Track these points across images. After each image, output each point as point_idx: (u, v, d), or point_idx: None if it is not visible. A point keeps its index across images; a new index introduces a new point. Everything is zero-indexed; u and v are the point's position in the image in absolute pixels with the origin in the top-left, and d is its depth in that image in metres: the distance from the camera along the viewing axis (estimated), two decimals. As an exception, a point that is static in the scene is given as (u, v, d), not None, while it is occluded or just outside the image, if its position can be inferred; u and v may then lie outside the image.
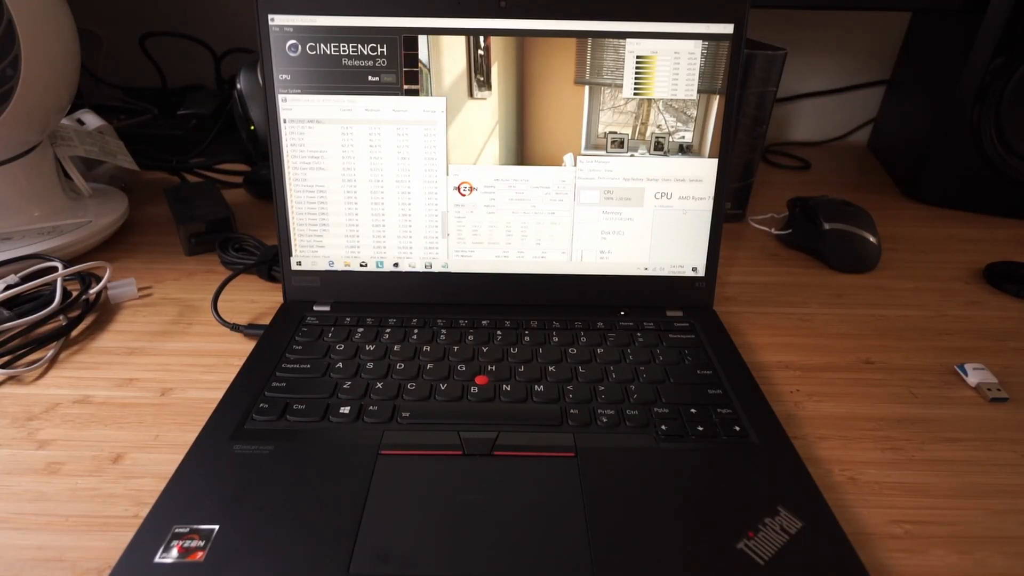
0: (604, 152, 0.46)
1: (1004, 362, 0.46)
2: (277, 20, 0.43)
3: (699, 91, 0.44)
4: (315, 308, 0.47)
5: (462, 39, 0.43)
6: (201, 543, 0.29)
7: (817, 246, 0.60)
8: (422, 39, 0.43)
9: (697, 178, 0.46)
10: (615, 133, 0.45)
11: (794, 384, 0.44)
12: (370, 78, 0.44)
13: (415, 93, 0.44)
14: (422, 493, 0.32)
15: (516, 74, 0.44)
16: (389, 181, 0.46)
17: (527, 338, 0.44)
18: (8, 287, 0.46)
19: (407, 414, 0.37)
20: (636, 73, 0.44)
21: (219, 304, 0.51)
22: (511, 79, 0.44)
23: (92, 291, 0.49)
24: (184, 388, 0.42)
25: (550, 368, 0.41)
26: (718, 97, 0.44)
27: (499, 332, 0.45)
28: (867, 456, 0.38)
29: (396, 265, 0.48)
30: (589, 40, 0.43)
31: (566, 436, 0.36)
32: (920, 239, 0.66)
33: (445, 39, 0.43)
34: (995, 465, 0.37)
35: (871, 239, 0.58)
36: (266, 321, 0.48)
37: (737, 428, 0.37)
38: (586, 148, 0.45)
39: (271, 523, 0.30)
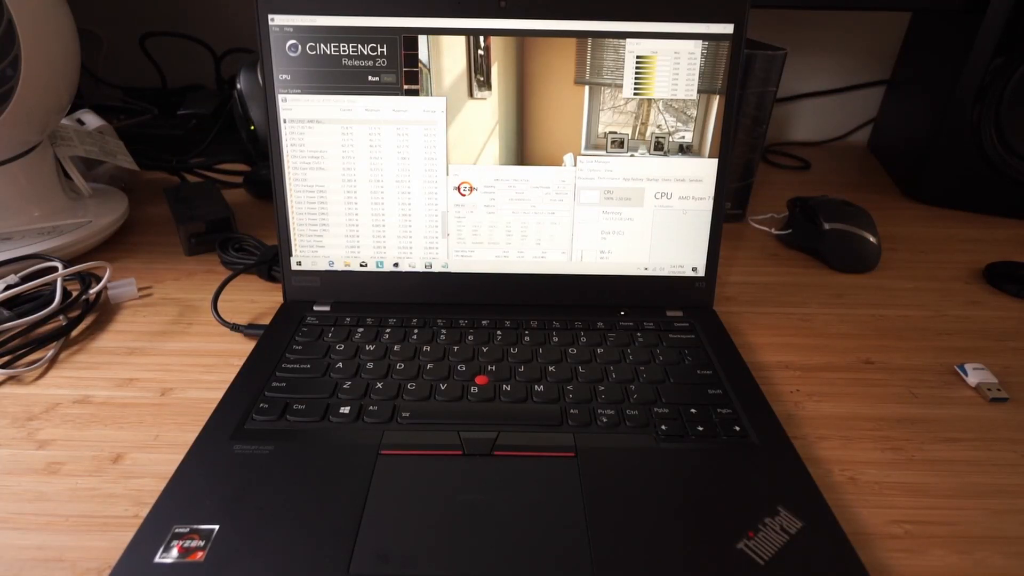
0: (604, 152, 0.46)
1: (1004, 362, 0.46)
2: (277, 20, 0.43)
3: (699, 91, 0.44)
4: (315, 308, 0.47)
5: (462, 39, 0.43)
6: (201, 543, 0.29)
7: (817, 246, 0.60)
8: (422, 39, 0.43)
9: (697, 178, 0.46)
10: (615, 133, 0.45)
11: (794, 384, 0.44)
12: (370, 78, 0.44)
13: (415, 93, 0.44)
14: (422, 493, 0.32)
15: (516, 74, 0.44)
16: (389, 181, 0.46)
17: (527, 338, 0.44)
18: (8, 287, 0.46)
19: (407, 414, 0.37)
20: (636, 73, 0.44)
21: (219, 304, 0.51)
22: (511, 79, 0.44)
23: (92, 291, 0.49)
24: (184, 388, 0.42)
25: (550, 368, 0.41)
26: (718, 97, 0.44)
27: (499, 332, 0.45)
28: (867, 456, 0.38)
29: (396, 265, 0.48)
30: (589, 40, 0.43)
31: (566, 436, 0.36)
32: (920, 239, 0.66)
33: (445, 39, 0.43)
34: (995, 465, 0.37)
35: (871, 239, 0.58)
36: (266, 321, 0.48)
37: (737, 428, 0.37)
38: (586, 148, 0.45)
39: (271, 523, 0.30)
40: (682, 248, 0.48)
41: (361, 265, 0.48)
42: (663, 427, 0.37)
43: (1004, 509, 0.34)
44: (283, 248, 0.47)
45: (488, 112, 0.45)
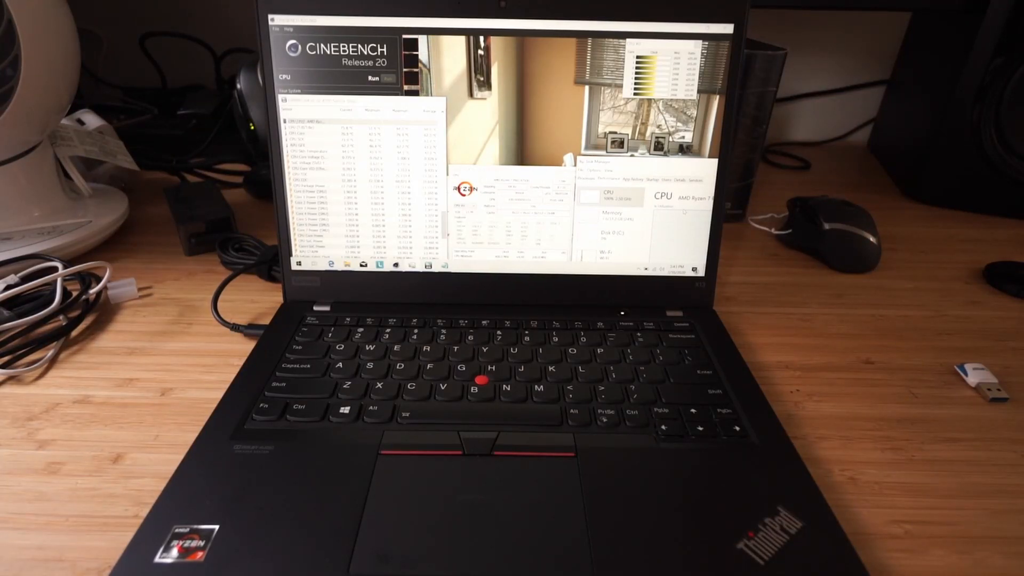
0: (604, 152, 0.46)
1: (1004, 362, 0.46)
2: (277, 20, 0.43)
3: (699, 91, 0.44)
4: (315, 308, 0.47)
5: (462, 39, 0.43)
6: (201, 543, 0.29)
7: (817, 246, 0.60)
8: (422, 39, 0.43)
9: (697, 178, 0.46)
10: (615, 133, 0.45)
11: (794, 384, 0.44)
12: (370, 78, 0.44)
13: (415, 93, 0.44)
14: (422, 493, 0.32)
15: (516, 74, 0.44)
16: (389, 181, 0.46)
17: (527, 338, 0.44)
18: (8, 287, 0.46)
19: (407, 414, 0.37)
20: (636, 73, 0.44)
21: (219, 304, 0.51)
22: (511, 79, 0.44)
23: (92, 291, 0.49)
24: (184, 388, 0.42)
25: (550, 368, 0.41)
26: (718, 97, 0.44)
27: (499, 332, 0.45)
28: (867, 456, 0.38)
29: (396, 265, 0.48)
30: (589, 40, 0.43)
31: (566, 436, 0.36)
32: (920, 239, 0.66)
33: (445, 39, 0.43)
34: (995, 465, 0.37)
35: (871, 239, 0.58)
36: (266, 321, 0.48)
37: (737, 428, 0.37)
38: (586, 148, 0.45)
39: (271, 523, 0.30)
40: (682, 248, 0.48)
41: (361, 265, 0.48)
42: (663, 427, 0.37)
43: (1004, 509, 0.34)
44: (283, 248, 0.47)
45: (488, 112, 0.45)
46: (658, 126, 0.45)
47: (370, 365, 0.41)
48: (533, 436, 0.36)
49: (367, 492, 0.32)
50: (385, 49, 0.43)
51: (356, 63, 0.43)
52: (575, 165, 0.46)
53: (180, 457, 0.34)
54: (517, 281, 0.48)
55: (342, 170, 0.46)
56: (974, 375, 0.44)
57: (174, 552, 0.28)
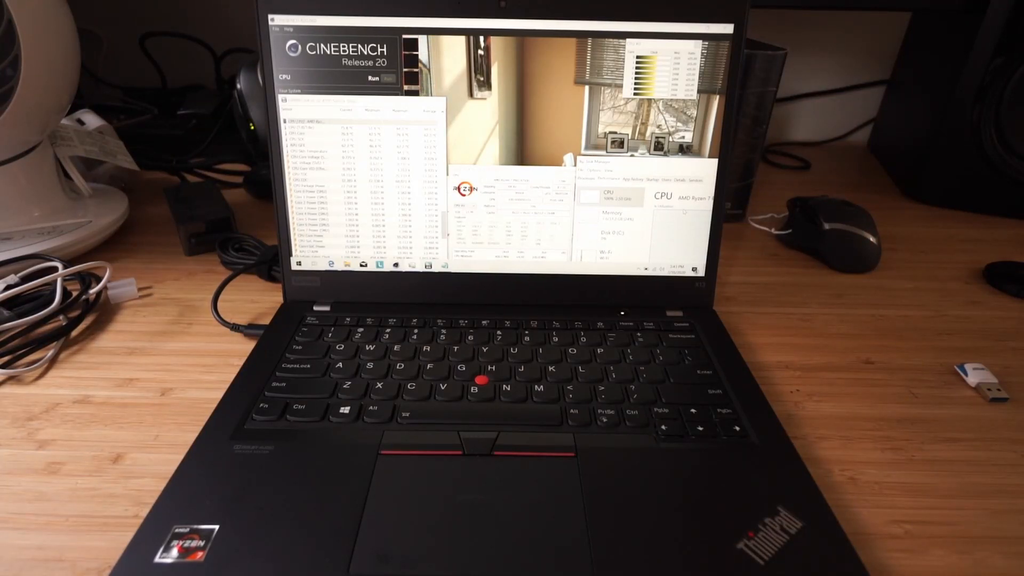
0: (604, 152, 0.46)
1: (1004, 362, 0.46)
2: (277, 20, 0.43)
3: (699, 91, 0.44)
4: (315, 308, 0.47)
5: (462, 39, 0.43)
6: (201, 543, 0.29)
7: (817, 246, 0.60)
8: (422, 39, 0.43)
9: (697, 178, 0.46)
10: (615, 133, 0.45)
11: (794, 384, 0.44)
12: (370, 78, 0.44)
13: (415, 93, 0.44)
14: (422, 493, 0.32)
15: (516, 74, 0.44)
16: (389, 181, 0.46)
17: (527, 338, 0.44)
18: (8, 287, 0.46)
19: (407, 414, 0.37)
20: (636, 73, 0.44)
21: (219, 304, 0.51)
22: (511, 79, 0.44)
23: (92, 291, 0.49)
24: (184, 388, 0.42)
25: (550, 368, 0.41)
26: (718, 97, 0.44)
27: (499, 332, 0.45)
28: (867, 456, 0.38)
29: (396, 265, 0.48)
30: (589, 40, 0.43)
31: (566, 436, 0.36)
32: (920, 239, 0.66)
33: (445, 39, 0.43)
34: (995, 465, 0.37)
35: (871, 239, 0.58)
36: (266, 321, 0.48)
37: (737, 428, 0.37)
38: (586, 148, 0.45)
39: (271, 523, 0.30)
40: (682, 248, 0.48)
41: (361, 265, 0.48)
42: (663, 427, 0.37)
43: (1004, 509, 0.34)
44: (283, 248, 0.47)
45: (488, 112, 0.45)
46: (658, 126, 0.45)
47: (370, 365, 0.41)
48: (533, 436, 0.36)
49: (367, 492, 0.32)
50: (385, 49, 0.43)
51: (356, 63, 0.43)
52: (575, 165, 0.46)
53: (180, 457, 0.34)
54: (517, 281, 0.48)
55: (342, 170, 0.46)
56: (974, 375, 0.44)
57: (174, 552, 0.28)
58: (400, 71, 0.44)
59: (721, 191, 0.46)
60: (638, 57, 0.44)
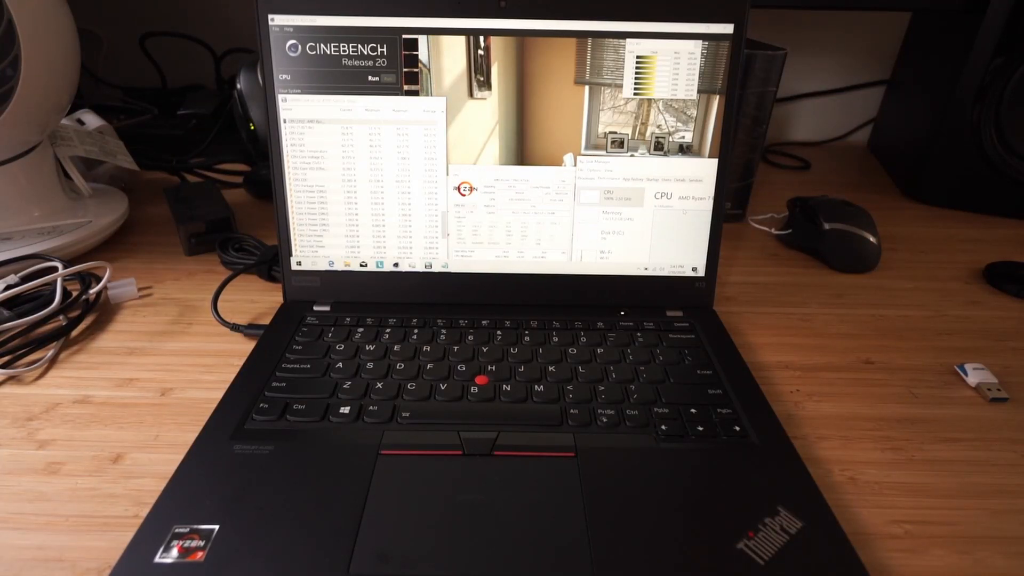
0: (604, 152, 0.46)
1: (1004, 362, 0.46)
2: (277, 20, 0.43)
3: (699, 91, 0.44)
4: (315, 308, 0.47)
5: (462, 39, 0.43)
6: (201, 543, 0.29)
7: (817, 246, 0.60)
8: (422, 39, 0.43)
9: (697, 178, 0.46)
10: (615, 133, 0.45)
11: (794, 384, 0.44)
12: (370, 78, 0.44)
13: (415, 93, 0.44)
14: (422, 493, 0.32)
15: (516, 74, 0.44)
16: (389, 181, 0.46)
17: (527, 338, 0.44)
18: (8, 287, 0.46)
19: (407, 414, 0.37)
20: (636, 73, 0.44)
21: (219, 304, 0.51)
22: (511, 79, 0.44)
23: (92, 291, 0.49)
24: (184, 388, 0.42)
25: (550, 368, 0.41)
26: (718, 97, 0.44)
27: (499, 332, 0.45)
28: (867, 456, 0.38)
29: (396, 265, 0.48)
30: (589, 40, 0.43)
31: (566, 436, 0.36)
32: (920, 239, 0.66)
33: (445, 39, 0.43)
34: (995, 465, 0.37)
35: (871, 239, 0.58)
36: (266, 321, 0.48)
37: (737, 428, 0.37)
38: (586, 148, 0.45)
39: (271, 523, 0.30)
40: (682, 248, 0.48)
41: (361, 265, 0.48)
42: (663, 427, 0.37)
43: (1004, 509, 0.34)
44: (283, 248, 0.47)
45: (488, 112, 0.45)
46: (658, 126, 0.45)
47: (370, 365, 0.41)
48: (533, 436, 0.36)
49: (367, 492, 0.32)
50: (385, 49, 0.43)
51: (356, 63, 0.43)
52: (575, 165, 0.46)
53: (180, 457, 0.34)
54: (517, 281, 0.48)
55: (342, 170, 0.46)
56: (974, 375, 0.44)
57: (174, 552, 0.28)
58: (400, 71, 0.44)
59: (721, 191, 0.46)
60: (638, 57, 0.44)
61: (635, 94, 0.44)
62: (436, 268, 0.48)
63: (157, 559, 0.28)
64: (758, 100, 0.62)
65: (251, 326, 0.47)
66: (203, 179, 0.75)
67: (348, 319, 0.46)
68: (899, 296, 0.55)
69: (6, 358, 0.43)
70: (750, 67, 0.60)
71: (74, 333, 0.47)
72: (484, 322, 0.46)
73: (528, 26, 0.43)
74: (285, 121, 0.45)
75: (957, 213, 0.73)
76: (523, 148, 0.45)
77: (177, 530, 0.29)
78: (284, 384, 0.39)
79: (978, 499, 0.35)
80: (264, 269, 0.54)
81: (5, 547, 0.31)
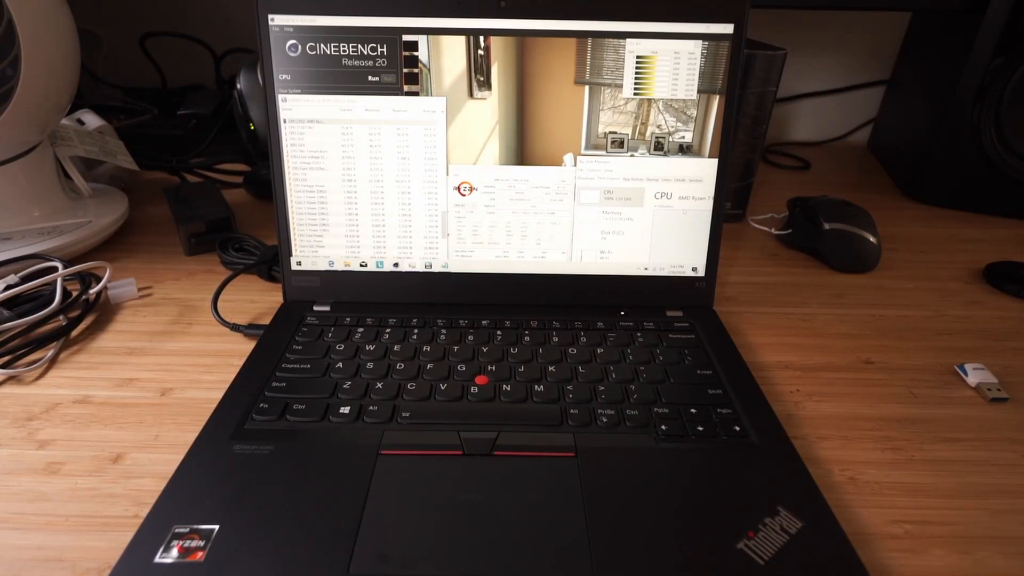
0: (604, 152, 0.46)
1: (1004, 362, 0.46)
2: (277, 20, 0.43)
3: (699, 91, 0.44)
4: (315, 308, 0.47)
5: (462, 39, 0.43)
6: (201, 543, 0.29)
7: (817, 246, 0.60)
8: (422, 39, 0.43)
9: (697, 178, 0.46)
10: (615, 133, 0.45)
11: (794, 384, 0.44)
12: (370, 78, 0.44)
13: (415, 93, 0.44)
14: (422, 493, 0.32)
15: (516, 74, 0.44)
16: (389, 181, 0.46)
17: (527, 338, 0.44)
18: (8, 287, 0.46)
19: (407, 414, 0.37)
20: (636, 73, 0.44)
21: (219, 304, 0.51)
22: (511, 79, 0.44)
23: (92, 291, 0.49)
24: (184, 388, 0.42)
25: (550, 368, 0.41)
26: (718, 97, 0.44)
27: (499, 332, 0.45)
28: (867, 456, 0.38)
29: (396, 265, 0.48)
30: (589, 40, 0.43)
31: (566, 436, 0.36)
32: (920, 239, 0.66)
33: (445, 39, 0.43)
34: (995, 465, 0.37)
35: (871, 239, 0.58)
36: (266, 321, 0.48)
37: (737, 428, 0.37)
38: (586, 148, 0.45)
39: (271, 523, 0.30)
40: (682, 248, 0.48)
41: (361, 265, 0.48)
42: (663, 427, 0.37)
43: (1004, 509, 0.34)
44: (283, 248, 0.47)
45: (488, 112, 0.45)
46: (658, 126, 0.45)
47: (370, 365, 0.41)
48: (533, 436, 0.36)
49: (367, 492, 0.32)
50: (385, 49, 0.43)
51: (356, 63, 0.43)
52: (575, 165, 0.46)
53: (180, 457, 0.34)
54: (517, 281, 0.48)
55: (342, 170, 0.46)
56: (974, 375, 0.44)
57: (174, 552, 0.28)
58: (400, 71, 0.44)
59: (721, 191, 0.46)
60: (638, 57, 0.44)
61: (635, 94, 0.44)
62: (436, 268, 0.48)
63: (157, 559, 0.28)
64: (758, 100, 0.62)
65: (251, 326, 0.47)
66: (203, 179, 0.75)
67: (348, 319, 0.46)
68: (899, 296, 0.55)
69: (6, 358, 0.43)
70: (750, 67, 0.60)
71: (74, 333, 0.47)
72: (484, 322, 0.46)
73: (528, 26, 0.43)
74: (285, 121, 0.45)
75: (957, 213, 0.73)
76: (523, 148, 0.45)
77: (177, 530, 0.29)
78: (284, 384, 0.39)
79: (978, 499, 0.35)
80: (264, 269, 0.54)
81: (5, 547, 0.31)
